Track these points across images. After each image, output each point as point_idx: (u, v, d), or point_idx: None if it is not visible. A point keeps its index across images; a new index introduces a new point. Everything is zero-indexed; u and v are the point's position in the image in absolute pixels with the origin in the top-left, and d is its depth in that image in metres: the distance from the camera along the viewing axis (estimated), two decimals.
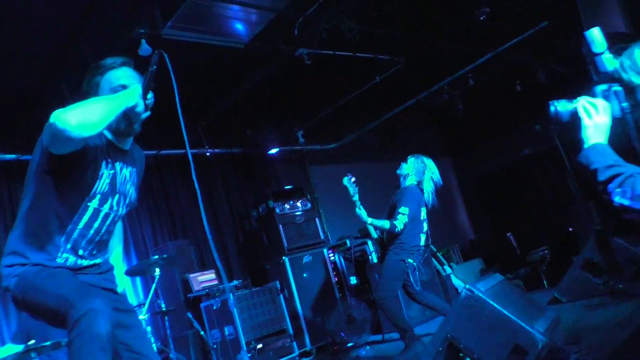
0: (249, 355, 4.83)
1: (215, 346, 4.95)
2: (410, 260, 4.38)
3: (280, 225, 6.32)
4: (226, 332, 5.04)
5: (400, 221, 4.25)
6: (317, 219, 6.69)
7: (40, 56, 4.87)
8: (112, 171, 2.08)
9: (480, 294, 2.39)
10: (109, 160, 2.07)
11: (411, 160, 4.55)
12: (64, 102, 1.83)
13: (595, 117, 1.68)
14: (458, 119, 7.85)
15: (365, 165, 8.71)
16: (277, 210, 6.39)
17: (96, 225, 2.07)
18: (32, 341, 3.79)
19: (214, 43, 5.12)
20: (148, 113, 2.07)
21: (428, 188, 4.48)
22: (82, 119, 1.74)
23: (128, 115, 2.01)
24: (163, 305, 4.88)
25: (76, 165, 1.95)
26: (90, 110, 1.79)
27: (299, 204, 6.59)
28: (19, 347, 3.85)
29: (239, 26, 5.17)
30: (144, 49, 4.39)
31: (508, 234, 8.63)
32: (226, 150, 7.29)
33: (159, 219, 6.77)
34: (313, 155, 8.38)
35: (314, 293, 6.21)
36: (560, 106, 1.74)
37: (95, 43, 4.56)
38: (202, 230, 7.02)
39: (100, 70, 2.09)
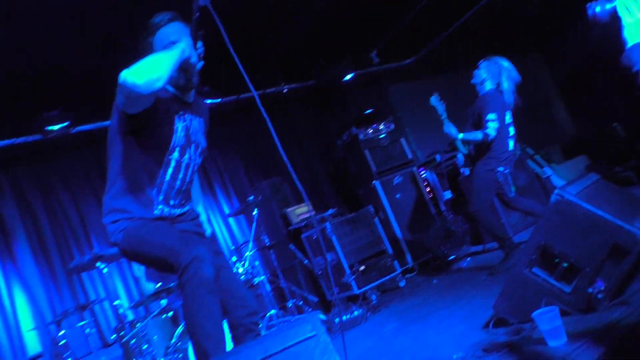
0: (353, 277, 5.07)
1: (320, 272, 5.22)
2: (501, 169, 4.25)
3: (366, 151, 6.34)
4: (328, 259, 5.30)
5: (492, 128, 4.10)
6: (402, 139, 6.61)
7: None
8: (184, 123, 2.21)
9: (571, 197, 2.29)
10: (180, 113, 2.19)
11: (483, 64, 4.30)
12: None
13: (637, 14, 1.49)
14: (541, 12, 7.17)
15: (447, 77, 8.33)
16: (361, 137, 6.39)
17: (180, 175, 2.24)
18: (160, 284, 4.26)
19: None
20: (202, 63, 2.15)
21: (507, 88, 4.23)
22: (146, 74, 1.87)
23: (184, 68, 2.11)
24: (267, 240, 5.19)
25: (151, 123, 2.09)
26: (152, 66, 1.91)
27: (381, 126, 6.53)
28: (153, 286, 4.36)
29: None
30: None
31: (614, 124, 7.99)
32: (302, 85, 7.31)
33: (252, 161, 7.08)
34: (389, 74, 8.14)
35: (409, 212, 6.27)
36: (599, 7, 1.56)
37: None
38: (293, 166, 7.23)
39: (152, 30, 2.19)
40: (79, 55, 5.22)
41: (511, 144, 4.35)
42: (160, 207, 2.19)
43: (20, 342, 5.06)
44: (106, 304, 5.44)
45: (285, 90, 7.11)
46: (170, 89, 2.21)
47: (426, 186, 6.56)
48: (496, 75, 4.25)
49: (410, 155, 6.59)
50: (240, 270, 4.10)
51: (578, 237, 2.30)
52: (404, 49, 8.03)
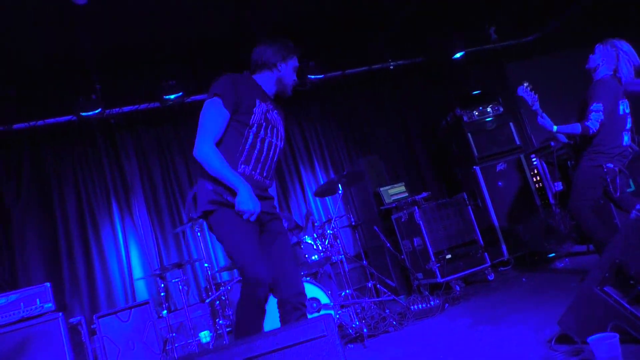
0: (438, 265, 4.96)
1: (403, 257, 5.18)
2: (610, 165, 3.82)
3: (469, 134, 6.05)
4: (415, 243, 5.23)
5: (595, 120, 3.68)
6: (510, 123, 6.19)
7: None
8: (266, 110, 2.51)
9: None
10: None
11: (599, 48, 3.83)
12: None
13: None
14: None
15: (574, 55, 7.58)
16: (465, 119, 6.11)
17: (257, 146, 2.46)
18: None
19: None
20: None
21: (626, 75, 3.74)
22: (210, 164, 2.31)
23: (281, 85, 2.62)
24: (352, 219, 5.25)
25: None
26: (217, 169, 2.30)
27: (489, 109, 6.18)
28: None
29: None
30: None
31: None
32: (410, 61, 7.12)
33: (352, 137, 7.12)
34: (508, 51, 7.60)
35: (511, 202, 5.92)
36: None
37: None
38: (393, 143, 7.17)
39: (289, 51, 2.59)
40: (192, 30, 5.60)
41: (626, 138, 3.88)
42: (246, 170, 2.43)
43: (131, 289, 5.73)
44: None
45: (392, 67, 6.99)
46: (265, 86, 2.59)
47: (534, 175, 6.12)
48: (612, 60, 3.78)
49: (518, 142, 6.16)
50: (320, 247, 4.21)
51: None
52: (526, 25, 7.44)
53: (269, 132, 2.48)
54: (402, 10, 6.18)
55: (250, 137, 2.41)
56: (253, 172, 2.43)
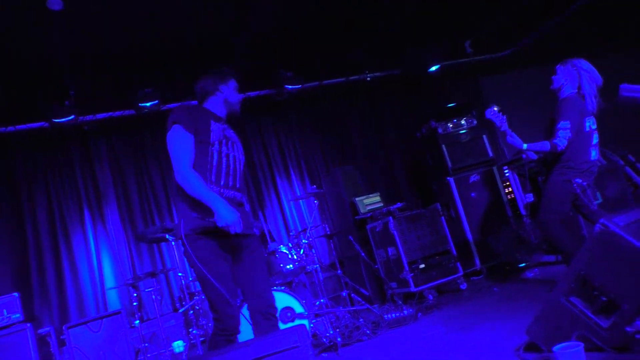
0: (412, 274, 5.02)
1: (377, 266, 5.22)
2: (579, 180, 3.94)
3: (444, 146, 6.17)
4: (389, 253, 5.28)
5: (562, 137, 3.80)
6: (484, 136, 6.32)
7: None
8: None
9: (617, 230, 2.11)
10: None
11: (560, 69, 3.96)
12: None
13: None
14: None
15: (547, 70, 7.80)
16: (439, 130, 6.22)
17: (224, 162, 2.57)
18: None
19: None
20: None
21: (589, 92, 3.88)
22: (191, 188, 2.41)
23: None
24: (327, 229, 5.28)
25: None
26: (198, 192, 2.40)
27: (463, 121, 6.30)
28: None
29: None
30: None
31: None
32: (386, 73, 7.22)
33: (329, 146, 7.17)
34: (483, 65, 7.77)
35: (483, 212, 6.03)
36: None
37: None
38: (370, 153, 7.25)
39: (225, 77, 2.75)
40: (170, 38, 5.59)
41: (593, 153, 4.02)
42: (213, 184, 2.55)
43: (103, 299, 5.64)
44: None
45: (368, 79, 7.07)
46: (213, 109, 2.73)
47: (506, 187, 6.25)
48: (575, 79, 3.92)
49: (491, 154, 6.30)
50: (295, 257, 4.22)
51: (620, 272, 2.12)
52: (501, 39, 7.61)
53: (230, 146, 2.64)
54: (381, 22, 6.27)
55: (215, 154, 2.55)
56: (224, 190, 2.55)
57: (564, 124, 3.78)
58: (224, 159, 2.57)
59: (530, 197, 6.30)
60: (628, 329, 2.11)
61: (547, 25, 7.23)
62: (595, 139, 4.00)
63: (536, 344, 2.45)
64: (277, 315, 2.56)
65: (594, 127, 3.99)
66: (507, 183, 6.30)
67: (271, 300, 2.54)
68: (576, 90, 3.92)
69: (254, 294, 2.51)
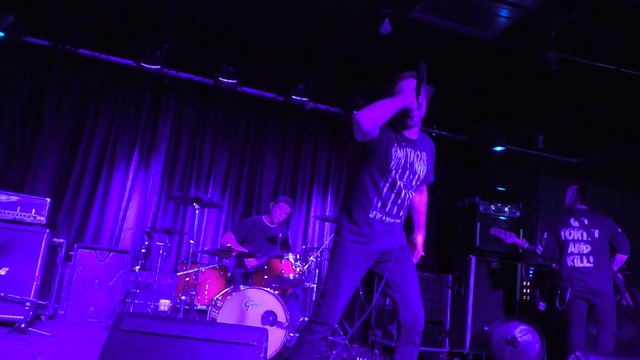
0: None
1: (370, 309, 5.29)
2: None
3: (479, 223, 6.18)
4: (387, 302, 5.35)
5: None
6: (521, 230, 6.29)
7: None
8: (402, 153, 2.64)
9: None
10: (400, 146, 2.64)
11: None
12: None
13: None
14: None
15: (614, 190, 7.69)
16: (481, 208, 6.24)
17: (395, 191, 2.66)
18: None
19: (459, 31, 5.16)
20: (420, 108, 2.60)
21: None
22: (367, 115, 2.42)
23: (405, 112, 2.58)
24: None
25: (375, 150, 2.60)
26: (373, 109, 2.44)
27: (506, 208, 6.31)
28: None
29: (489, 18, 5.09)
30: (385, 27, 4.75)
31: None
32: (452, 135, 7.30)
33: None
34: (547, 163, 7.73)
35: (492, 301, 5.99)
36: None
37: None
38: None
39: (396, 81, 2.73)
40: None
41: None
42: (374, 212, 2.65)
43: (118, 235, 5.98)
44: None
45: (434, 134, 7.18)
46: (397, 126, 2.68)
47: (525, 287, 6.19)
48: None
49: (520, 250, 6.25)
50: (298, 269, 4.37)
51: None
52: (572, 145, 7.58)
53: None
54: (457, 87, 6.38)
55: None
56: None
57: None
58: (397, 190, 2.69)
59: (542, 306, 6.23)
60: None
61: (625, 147, 7.16)
62: None
63: None
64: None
65: None
66: (528, 284, 6.24)
67: (420, 314, 2.81)
68: None
69: (408, 307, 2.79)
